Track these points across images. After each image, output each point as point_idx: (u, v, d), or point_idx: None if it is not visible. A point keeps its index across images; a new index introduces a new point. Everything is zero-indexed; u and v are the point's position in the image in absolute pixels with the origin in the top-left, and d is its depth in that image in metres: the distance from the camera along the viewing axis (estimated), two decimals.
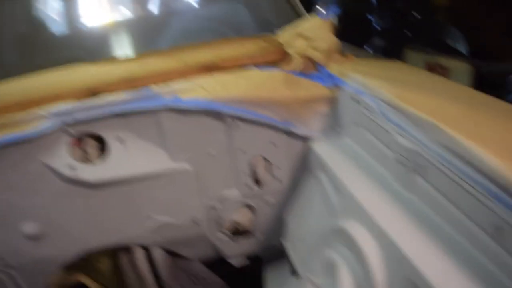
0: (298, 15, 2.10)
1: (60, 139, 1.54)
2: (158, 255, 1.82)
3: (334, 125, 1.64)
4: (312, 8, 2.55)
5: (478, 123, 1.14)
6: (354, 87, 1.47)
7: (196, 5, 2.60)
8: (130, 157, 1.59)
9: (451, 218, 1.06)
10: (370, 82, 1.40)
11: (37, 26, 2.36)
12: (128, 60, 1.75)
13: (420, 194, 1.18)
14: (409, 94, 1.30)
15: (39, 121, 1.46)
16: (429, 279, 0.95)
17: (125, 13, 2.48)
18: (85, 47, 2.16)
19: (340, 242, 1.29)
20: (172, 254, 1.88)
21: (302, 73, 1.62)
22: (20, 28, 2.32)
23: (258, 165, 1.68)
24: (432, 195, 1.12)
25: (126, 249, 1.81)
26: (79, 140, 1.59)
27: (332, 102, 1.60)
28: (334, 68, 1.61)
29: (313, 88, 1.59)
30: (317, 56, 1.62)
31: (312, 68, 1.64)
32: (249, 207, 1.78)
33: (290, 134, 1.64)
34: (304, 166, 1.69)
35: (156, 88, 1.54)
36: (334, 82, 1.58)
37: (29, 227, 1.60)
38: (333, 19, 1.63)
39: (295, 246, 1.69)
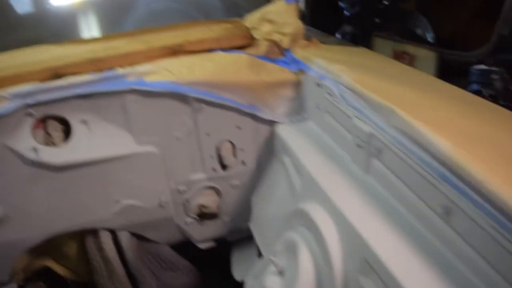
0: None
1: (23, 121, 1.52)
2: (125, 238, 1.82)
3: (299, 109, 1.66)
4: None
5: (434, 108, 1.18)
6: (317, 71, 1.50)
7: None
8: (94, 139, 1.58)
9: (405, 200, 1.10)
10: (332, 67, 1.42)
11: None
12: (93, 41, 1.73)
13: (376, 176, 1.22)
14: (369, 79, 1.33)
15: (0, 103, 1.43)
16: (382, 259, 0.98)
17: None
18: (49, 28, 2.12)
19: (300, 224, 1.32)
20: (139, 237, 1.88)
21: (268, 58, 1.63)
22: None
23: (224, 149, 1.70)
24: (388, 178, 1.16)
25: (93, 233, 1.81)
26: (42, 123, 1.58)
27: (297, 86, 1.63)
28: (299, 53, 1.63)
29: (278, 73, 1.60)
30: (282, 40, 1.63)
31: (278, 52, 1.66)
32: (215, 190, 1.80)
33: (255, 118, 1.66)
34: (270, 150, 1.72)
35: (121, 70, 1.53)
36: (299, 67, 1.60)
37: None
38: (298, 3, 1.65)
39: (260, 229, 1.72)
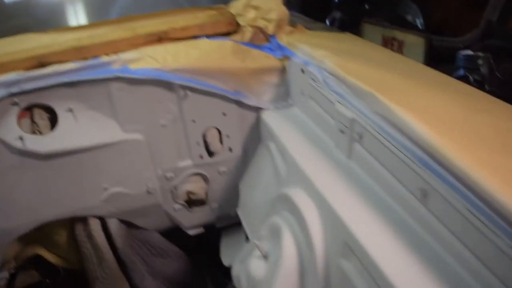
0: None
1: (8, 110, 1.51)
2: (114, 225, 1.83)
3: (284, 96, 1.67)
4: None
5: (416, 94, 1.18)
6: (302, 57, 1.50)
7: None
8: (80, 127, 1.58)
9: (385, 184, 1.12)
10: (316, 53, 1.43)
11: None
12: (78, 29, 1.72)
13: (358, 161, 1.23)
14: (352, 65, 1.33)
15: None
16: (362, 242, 1.00)
17: None
18: (35, 16, 2.10)
19: (284, 208, 1.33)
20: (129, 224, 1.89)
21: (253, 44, 1.64)
22: None
23: (210, 135, 1.71)
24: (369, 162, 1.18)
25: (82, 220, 1.82)
26: (28, 111, 1.57)
27: (282, 72, 1.63)
28: (284, 39, 1.63)
29: (263, 59, 1.61)
30: (267, 26, 1.63)
31: (263, 39, 1.66)
32: (203, 177, 1.81)
33: (241, 104, 1.66)
34: (256, 136, 1.73)
35: (105, 58, 1.53)
36: (284, 53, 1.60)
37: None
38: None
39: (248, 214, 1.74)
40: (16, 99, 1.50)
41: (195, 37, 1.62)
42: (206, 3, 2.01)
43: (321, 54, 1.41)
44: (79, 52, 1.53)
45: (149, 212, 1.84)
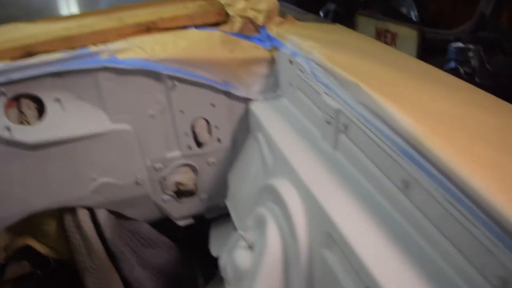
0: None
1: None
2: (102, 216, 1.83)
3: (273, 87, 1.66)
4: None
5: (402, 85, 1.18)
6: (290, 48, 1.50)
7: None
8: (68, 118, 1.58)
9: (369, 174, 1.12)
10: (304, 43, 1.42)
11: None
12: (66, 19, 1.71)
13: (344, 152, 1.23)
14: (340, 56, 1.33)
15: None
16: (343, 232, 1.00)
17: None
18: (25, 7, 2.09)
19: (269, 199, 1.33)
20: (118, 215, 1.89)
21: (243, 35, 1.63)
22: None
23: (199, 126, 1.70)
24: (354, 153, 1.18)
25: (71, 211, 1.82)
26: (16, 101, 1.57)
27: (271, 63, 1.62)
28: (274, 29, 1.62)
29: (252, 50, 1.60)
30: (257, 17, 1.62)
31: (253, 29, 1.65)
32: (192, 167, 1.81)
33: (229, 95, 1.66)
34: (245, 127, 1.73)
35: (93, 48, 1.52)
36: (273, 44, 1.60)
37: None
38: None
39: (236, 205, 1.74)
40: (3, 89, 1.49)
41: (184, 27, 1.61)
42: None
43: (309, 45, 1.40)
44: (67, 42, 1.52)
45: (138, 203, 1.84)
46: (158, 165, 1.75)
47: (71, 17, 1.78)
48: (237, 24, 1.62)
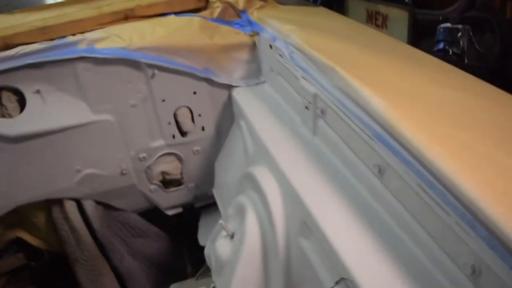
0: None
1: None
2: (90, 207, 1.82)
3: (256, 72, 1.64)
4: None
5: (381, 69, 1.15)
6: (270, 33, 1.46)
7: None
8: (49, 109, 1.56)
9: (346, 160, 1.10)
10: (283, 27, 1.39)
11: None
12: (44, 9, 1.69)
13: (322, 137, 1.21)
14: (318, 39, 1.30)
15: None
16: (318, 221, 0.98)
17: None
18: None
19: (249, 187, 1.32)
20: (107, 206, 1.89)
21: (223, 20, 1.60)
22: None
23: (181, 115, 1.68)
24: (331, 138, 1.15)
25: (59, 203, 1.81)
26: None
27: (253, 49, 1.59)
28: (254, 14, 1.59)
29: (232, 35, 1.57)
30: (238, 1, 1.59)
31: (233, 14, 1.62)
32: (177, 156, 1.79)
33: (211, 82, 1.63)
34: (229, 115, 1.70)
35: (72, 38, 1.50)
36: (253, 29, 1.56)
37: None
38: None
39: (222, 194, 1.73)
40: None
41: (163, 14, 1.59)
42: None
43: (288, 29, 1.37)
44: (45, 33, 1.51)
45: (125, 193, 1.83)
46: (142, 155, 1.74)
47: (49, 6, 1.75)
48: (217, 9, 1.59)
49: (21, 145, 1.57)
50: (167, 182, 1.86)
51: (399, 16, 2.47)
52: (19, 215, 1.83)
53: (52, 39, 1.51)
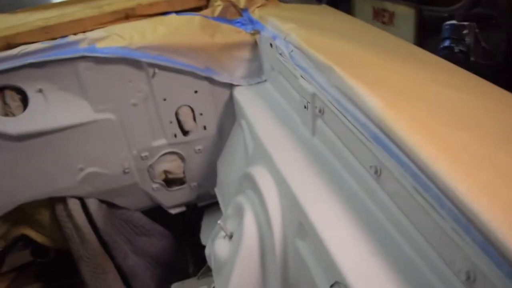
0: None
1: None
2: (93, 205, 1.83)
3: (257, 71, 1.63)
4: None
5: (380, 68, 1.12)
6: (271, 31, 1.45)
7: None
8: (51, 108, 1.57)
9: (344, 161, 1.08)
10: (283, 26, 1.37)
11: None
12: (46, 8, 1.69)
13: (321, 138, 1.20)
14: (318, 38, 1.28)
15: None
16: (314, 223, 0.96)
17: None
18: None
19: (248, 187, 1.31)
20: (110, 205, 1.89)
21: (224, 19, 1.59)
22: None
23: (183, 114, 1.68)
24: (329, 139, 1.14)
25: (62, 201, 1.82)
26: (0, 93, 1.56)
27: (254, 47, 1.58)
28: (256, 12, 1.58)
29: (234, 34, 1.56)
30: (239, 0, 1.58)
31: (235, 13, 1.61)
32: (179, 155, 1.79)
33: (212, 81, 1.63)
34: (231, 114, 1.70)
35: (73, 37, 1.51)
36: (255, 27, 1.55)
37: None
38: None
39: (223, 193, 1.72)
40: None
41: (163, 13, 1.58)
42: None
43: (288, 28, 1.35)
44: (46, 32, 1.52)
45: (128, 192, 1.84)
46: (144, 154, 1.74)
47: (51, 6, 1.76)
48: (218, 8, 1.58)
49: (23, 143, 1.58)
50: (170, 181, 1.86)
51: (406, 13, 2.45)
52: (23, 213, 1.84)
53: (54, 39, 1.52)
